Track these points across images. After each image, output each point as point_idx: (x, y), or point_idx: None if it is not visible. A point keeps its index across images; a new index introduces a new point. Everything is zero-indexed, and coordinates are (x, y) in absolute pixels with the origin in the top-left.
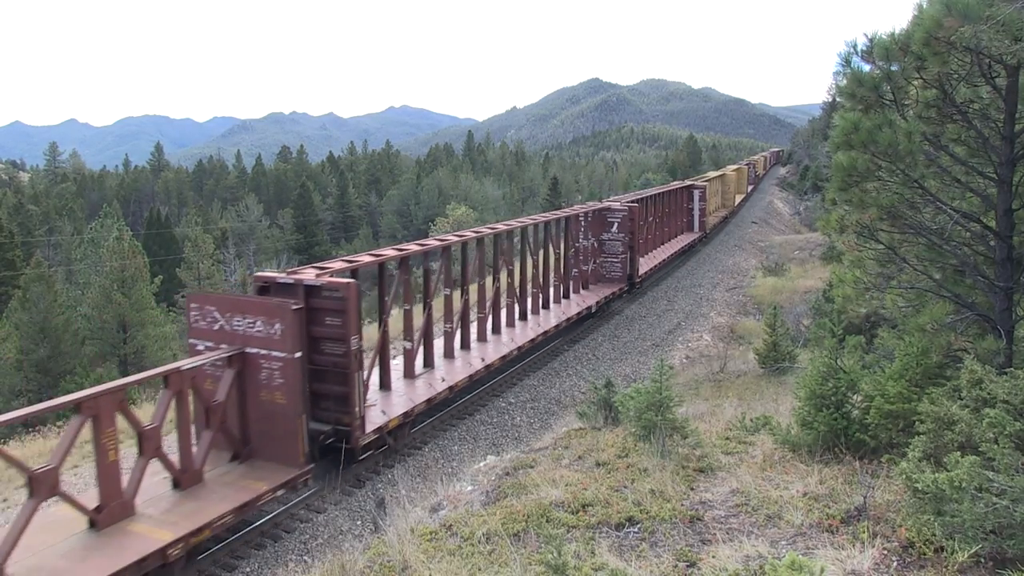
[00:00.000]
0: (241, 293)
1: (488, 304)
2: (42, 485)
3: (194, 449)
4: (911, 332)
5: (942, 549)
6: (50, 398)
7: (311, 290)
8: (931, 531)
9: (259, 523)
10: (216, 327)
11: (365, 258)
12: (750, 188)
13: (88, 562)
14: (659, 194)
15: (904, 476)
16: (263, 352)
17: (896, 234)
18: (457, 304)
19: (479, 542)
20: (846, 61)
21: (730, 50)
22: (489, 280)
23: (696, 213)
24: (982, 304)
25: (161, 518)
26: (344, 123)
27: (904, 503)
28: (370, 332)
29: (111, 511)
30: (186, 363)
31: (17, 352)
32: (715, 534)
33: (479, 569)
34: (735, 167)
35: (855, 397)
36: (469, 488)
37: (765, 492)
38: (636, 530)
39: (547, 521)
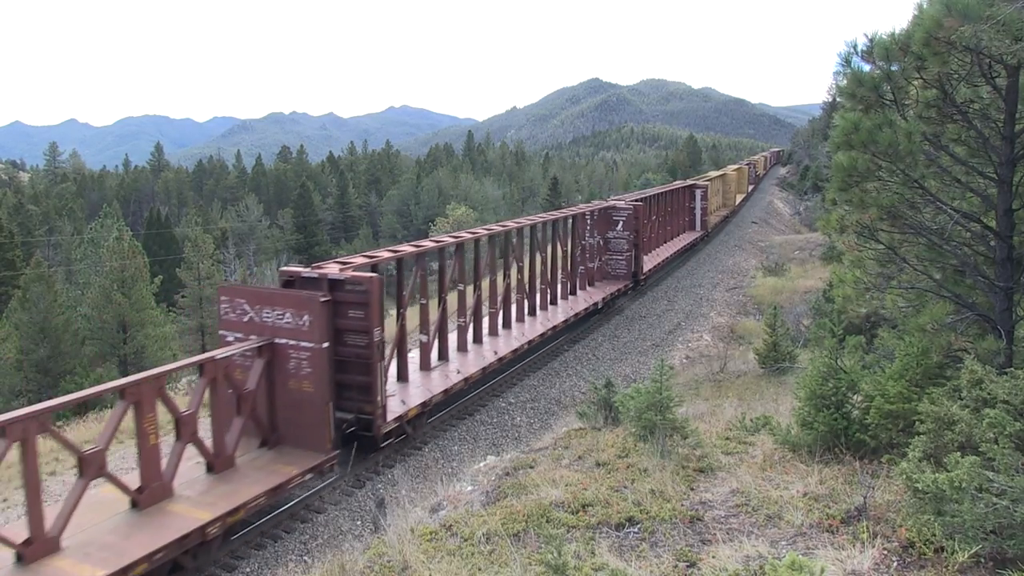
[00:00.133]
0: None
1: (499, 300)
2: (90, 466)
3: (226, 436)
4: (911, 332)
5: (942, 549)
6: (50, 398)
7: (335, 284)
8: (931, 531)
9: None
10: (246, 319)
11: (384, 254)
12: (750, 188)
13: (133, 539)
14: (662, 193)
15: (904, 476)
16: (291, 343)
17: (896, 234)
18: (469, 300)
19: (479, 542)
20: (846, 61)
21: (730, 50)
22: (500, 277)
23: (698, 212)
24: (982, 304)
25: (198, 499)
26: (344, 123)
27: (904, 503)
28: (387, 325)
29: (152, 492)
30: (220, 352)
31: (17, 352)
32: (715, 534)
33: (479, 569)
34: (736, 167)
35: (855, 397)
36: (469, 488)
37: (765, 492)
38: (636, 530)
39: (547, 521)
